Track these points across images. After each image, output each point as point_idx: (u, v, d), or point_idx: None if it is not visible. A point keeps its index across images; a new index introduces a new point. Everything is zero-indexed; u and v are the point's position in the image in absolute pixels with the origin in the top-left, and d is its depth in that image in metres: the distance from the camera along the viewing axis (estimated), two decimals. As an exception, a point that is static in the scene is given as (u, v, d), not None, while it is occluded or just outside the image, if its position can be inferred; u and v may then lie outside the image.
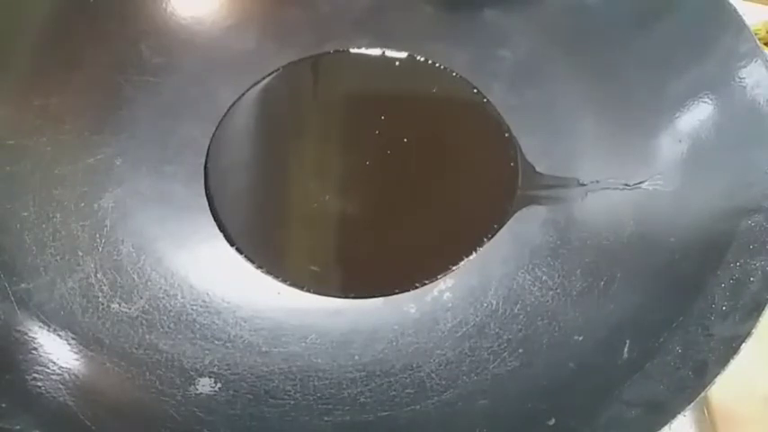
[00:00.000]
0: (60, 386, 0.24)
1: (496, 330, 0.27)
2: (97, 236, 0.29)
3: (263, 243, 0.30)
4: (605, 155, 0.31)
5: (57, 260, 0.28)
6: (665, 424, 0.22)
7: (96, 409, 0.24)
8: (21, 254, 0.28)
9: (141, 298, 0.28)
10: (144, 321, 0.27)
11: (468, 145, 0.34)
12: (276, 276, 0.29)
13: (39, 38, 0.32)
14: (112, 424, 0.24)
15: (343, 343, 0.27)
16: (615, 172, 0.30)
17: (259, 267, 0.29)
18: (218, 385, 0.26)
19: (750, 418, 0.29)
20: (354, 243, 0.31)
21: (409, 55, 0.35)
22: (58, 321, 0.26)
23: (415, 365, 0.27)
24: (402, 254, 0.31)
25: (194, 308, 0.28)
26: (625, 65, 0.32)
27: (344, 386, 0.26)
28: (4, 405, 0.23)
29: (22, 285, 0.27)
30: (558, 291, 0.28)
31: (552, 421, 0.23)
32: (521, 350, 0.27)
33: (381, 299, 0.29)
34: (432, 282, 0.29)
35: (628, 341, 0.25)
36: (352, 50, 0.35)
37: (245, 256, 0.30)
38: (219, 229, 0.30)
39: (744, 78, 0.28)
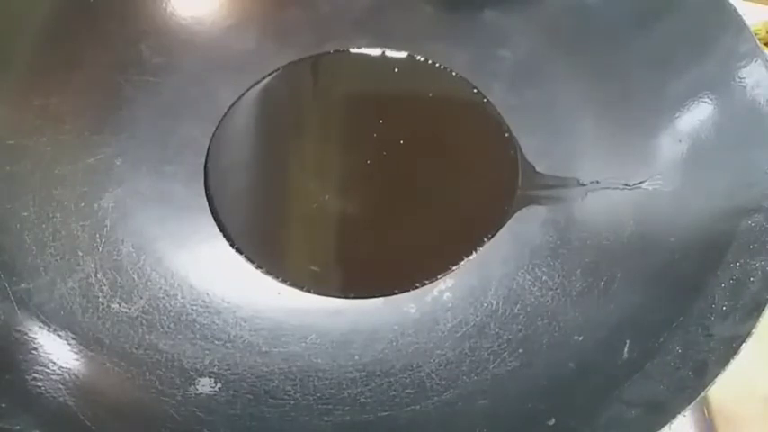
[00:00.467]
0: (60, 386, 0.24)
1: (496, 330, 0.27)
2: (97, 236, 0.29)
3: (263, 243, 0.30)
4: (605, 155, 0.31)
5: (57, 260, 0.28)
6: (665, 424, 0.22)
7: (96, 409, 0.24)
8: (21, 254, 0.28)
9: (141, 298, 0.28)
10: (144, 321, 0.27)
11: (468, 145, 0.34)
12: (276, 276, 0.29)
13: (39, 38, 0.32)
14: (112, 424, 0.24)
15: (343, 343, 0.27)
16: (615, 172, 0.30)
17: (259, 267, 0.29)
18: (218, 385, 0.26)
19: (750, 418, 0.29)
20: (354, 243, 0.31)
21: (409, 55, 0.35)
22: (58, 321, 0.26)
23: (415, 365, 0.27)
24: (402, 254, 0.31)
25: (194, 308, 0.28)
26: (625, 65, 0.32)
27: (344, 386, 0.26)
28: (4, 405, 0.23)
29: (22, 285, 0.27)
30: (558, 291, 0.28)
31: (552, 421, 0.23)
32: (521, 350, 0.27)
33: (381, 299, 0.29)
34: (432, 282, 0.29)
35: (628, 341, 0.25)
36: (352, 50, 0.35)
37: (245, 256, 0.30)
38: (219, 229, 0.30)
39: (744, 78, 0.28)
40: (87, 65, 0.32)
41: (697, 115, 0.30)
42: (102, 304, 0.27)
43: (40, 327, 0.26)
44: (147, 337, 0.27)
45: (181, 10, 0.34)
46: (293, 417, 0.25)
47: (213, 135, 0.32)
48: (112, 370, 0.26)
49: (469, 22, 0.35)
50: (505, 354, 0.27)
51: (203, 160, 0.32)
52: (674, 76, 0.31)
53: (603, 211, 0.30)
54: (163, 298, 0.28)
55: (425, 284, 0.29)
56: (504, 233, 0.30)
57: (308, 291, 0.29)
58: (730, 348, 0.23)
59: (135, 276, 0.28)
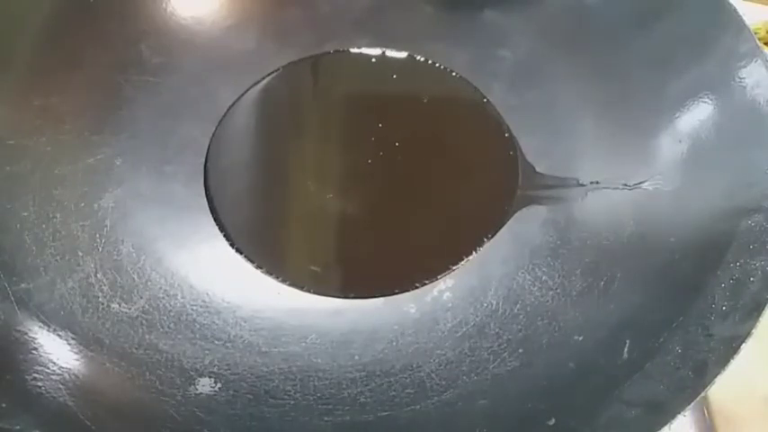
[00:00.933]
0: (60, 386, 0.24)
1: (496, 330, 0.27)
2: (97, 236, 0.29)
3: (263, 243, 0.30)
4: (605, 155, 0.31)
5: (57, 260, 0.28)
6: (665, 424, 0.22)
7: (96, 409, 0.24)
8: (21, 254, 0.28)
9: (141, 298, 0.28)
10: (144, 321, 0.27)
11: (468, 145, 0.34)
12: (276, 276, 0.29)
13: (39, 38, 0.32)
14: (112, 424, 0.24)
15: (343, 343, 0.27)
16: (615, 172, 0.30)
17: (259, 267, 0.29)
18: (218, 385, 0.26)
19: (750, 418, 0.29)
20: (354, 243, 0.31)
21: (409, 55, 0.35)
22: (58, 321, 0.26)
23: (415, 365, 0.27)
24: (402, 254, 0.31)
25: (194, 308, 0.28)
26: (625, 65, 0.32)
27: (344, 386, 0.26)
28: (4, 405, 0.23)
29: (22, 285, 0.27)
30: (558, 291, 0.28)
31: (552, 421, 0.23)
32: (521, 350, 0.27)
33: (381, 299, 0.29)
34: (432, 282, 0.29)
35: (628, 341, 0.25)
36: (352, 50, 0.35)
37: (245, 256, 0.30)
38: (219, 229, 0.30)
39: (744, 78, 0.28)
40: (87, 65, 0.32)
41: (697, 115, 0.30)
42: (102, 304, 0.27)
43: (40, 327, 0.26)
44: (147, 337, 0.27)
45: (181, 10, 0.34)
46: (293, 417, 0.25)
47: (213, 135, 0.32)
48: (112, 370, 0.26)
49: (469, 22, 0.35)
50: (505, 354, 0.27)
51: (203, 160, 0.32)
52: (674, 76, 0.31)
53: (603, 211, 0.30)
54: (163, 298, 0.28)
55: (425, 284, 0.29)
56: (504, 233, 0.30)
57: (308, 291, 0.29)
58: (730, 348, 0.23)
59: (135, 276, 0.28)
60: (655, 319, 0.26)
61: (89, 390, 0.25)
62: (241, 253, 0.30)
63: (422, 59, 0.34)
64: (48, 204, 0.29)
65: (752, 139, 0.28)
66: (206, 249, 0.30)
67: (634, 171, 0.30)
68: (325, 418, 0.25)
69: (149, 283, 0.28)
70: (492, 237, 0.30)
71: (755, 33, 0.29)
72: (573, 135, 0.32)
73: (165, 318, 0.27)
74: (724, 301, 0.25)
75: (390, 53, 0.35)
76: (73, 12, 0.33)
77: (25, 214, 0.29)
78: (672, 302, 0.26)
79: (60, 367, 0.25)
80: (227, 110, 0.33)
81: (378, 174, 0.32)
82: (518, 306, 0.28)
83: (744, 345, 0.23)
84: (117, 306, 0.27)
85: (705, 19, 0.30)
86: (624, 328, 0.26)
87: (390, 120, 0.33)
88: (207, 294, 0.28)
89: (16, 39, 0.31)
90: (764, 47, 0.30)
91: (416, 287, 0.29)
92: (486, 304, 0.28)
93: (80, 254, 0.28)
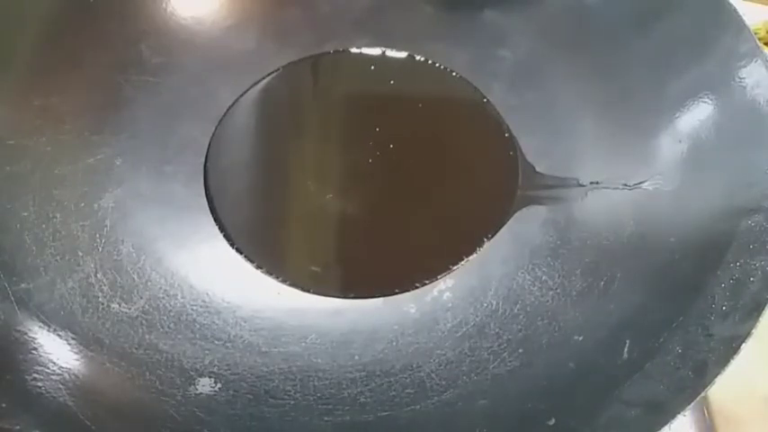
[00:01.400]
0: (60, 386, 0.24)
1: (496, 330, 0.27)
2: (97, 236, 0.29)
3: (263, 243, 0.30)
4: (605, 155, 0.31)
5: (57, 260, 0.28)
6: (665, 424, 0.22)
7: (96, 409, 0.24)
8: (21, 254, 0.28)
9: (141, 298, 0.28)
10: (144, 321, 0.27)
11: (468, 145, 0.34)
12: (276, 276, 0.29)
13: (39, 38, 0.32)
14: (112, 424, 0.24)
15: (343, 343, 0.27)
16: (615, 172, 0.30)
17: (259, 267, 0.29)
18: (218, 385, 0.26)
19: (750, 418, 0.29)
20: (354, 243, 0.31)
21: (409, 55, 0.35)
22: (58, 321, 0.26)
23: (415, 365, 0.27)
24: (402, 254, 0.31)
25: (194, 308, 0.28)
26: (625, 65, 0.32)
27: (344, 386, 0.26)
28: (4, 405, 0.23)
29: (22, 285, 0.27)
30: (558, 291, 0.28)
31: (552, 421, 0.23)
32: (521, 350, 0.27)
33: (381, 299, 0.29)
34: (432, 282, 0.29)
35: (628, 341, 0.25)
36: (352, 50, 0.35)
37: (245, 256, 0.30)
38: (219, 229, 0.30)
39: (744, 78, 0.28)
40: (87, 65, 0.32)
41: (697, 115, 0.30)
42: (102, 304, 0.27)
43: (40, 327, 0.26)
44: (147, 337, 0.27)
45: (181, 10, 0.34)
46: (293, 417, 0.25)
47: (213, 135, 0.32)
48: (112, 370, 0.26)
49: (469, 22, 0.35)
50: (505, 354, 0.27)
51: (203, 160, 0.32)
52: (674, 76, 0.31)
53: (603, 211, 0.30)
54: (163, 298, 0.28)
55: (425, 284, 0.29)
56: (504, 233, 0.30)
57: (308, 291, 0.29)
58: (730, 348, 0.23)
59: (135, 276, 0.28)
60: (655, 319, 0.26)
61: (89, 390, 0.25)
62: (241, 253, 0.30)
63: (422, 59, 0.34)
64: (48, 204, 0.29)
65: (752, 139, 0.28)
66: (206, 249, 0.30)
67: (634, 171, 0.30)
68: (325, 418, 0.25)
69: (149, 283, 0.28)
70: (492, 237, 0.30)
71: (755, 33, 0.29)
72: (573, 135, 0.32)
73: (165, 318, 0.27)
74: (724, 301, 0.25)
75: (390, 53, 0.35)
76: (73, 12, 0.33)
77: (25, 214, 0.29)
78: (672, 302, 0.26)
79: (60, 367, 0.25)
80: (227, 110, 0.33)
81: (378, 174, 0.32)
82: (518, 306, 0.28)
83: (744, 345, 0.23)
84: (117, 306, 0.27)
85: (705, 19, 0.30)
86: (624, 328, 0.26)
87: (390, 120, 0.33)
88: (207, 294, 0.28)
89: (16, 39, 0.31)
90: (764, 47, 0.30)
91: (416, 287, 0.29)
92: (486, 304, 0.28)
93: (80, 254, 0.28)
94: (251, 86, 0.34)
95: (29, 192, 0.29)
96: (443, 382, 0.26)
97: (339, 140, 0.34)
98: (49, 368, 0.25)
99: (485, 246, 0.30)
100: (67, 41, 0.32)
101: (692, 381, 0.23)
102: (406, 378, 0.26)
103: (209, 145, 0.32)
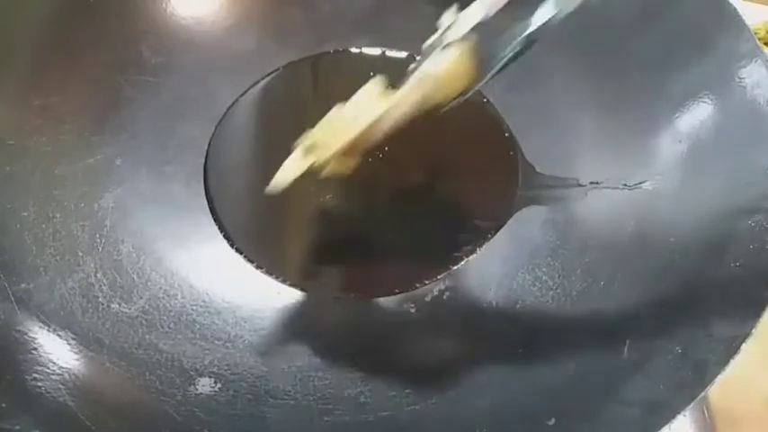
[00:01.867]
0: (60, 386, 0.24)
1: (497, 330, 0.27)
2: (97, 236, 0.29)
3: (263, 243, 0.30)
4: (605, 155, 0.31)
5: (57, 260, 0.28)
6: (665, 424, 0.22)
7: (96, 409, 0.24)
8: (21, 254, 0.28)
9: (141, 298, 0.28)
10: (144, 321, 0.27)
11: (468, 145, 0.34)
12: (276, 276, 0.29)
13: (39, 38, 0.32)
14: (112, 424, 0.24)
15: (342, 343, 0.27)
16: (615, 172, 0.30)
17: (259, 267, 0.29)
18: (218, 385, 0.26)
19: (750, 418, 0.29)
20: (354, 243, 0.31)
21: (409, 55, 0.35)
22: (58, 321, 0.26)
23: (415, 365, 0.27)
24: (402, 254, 0.31)
25: (194, 308, 0.28)
26: (625, 65, 0.32)
27: (344, 386, 0.26)
28: (4, 405, 0.23)
29: (22, 285, 0.27)
30: (558, 291, 0.28)
31: (552, 421, 0.23)
32: (520, 350, 0.27)
33: (381, 299, 0.29)
34: (432, 282, 0.29)
35: (628, 341, 0.25)
36: (352, 50, 0.35)
37: (245, 257, 0.30)
38: (219, 229, 0.30)
39: (744, 78, 0.28)
40: (87, 65, 0.32)
41: (697, 115, 0.30)
42: (102, 304, 0.27)
43: (40, 327, 0.26)
44: (147, 337, 0.27)
45: (181, 10, 0.35)
46: (293, 417, 0.25)
47: (213, 135, 0.32)
48: (112, 370, 0.26)
49: (469, 22, 0.35)
50: (505, 354, 0.27)
51: (203, 160, 0.32)
52: (674, 76, 0.31)
53: (603, 211, 0.30)
54: (163, 298, 0.28)
55: (425, 284, 0.29)
56: (504, 233, 0.30)
57: (308, 291, 0.29)
58: (730, 348, 0.23)
59: (135, 276, 0.28)
60: (655, 319, 0.26)
61: (89, 390, 0.25)
62: (241, 253, 0.30)
63: (422, 59, 0.34)
64: (48, 204, 0.29)
65: (752, 139, 0.28)
66: (206, 249, 0.30)
67: (634, 171, 0.30)
68: (325, 418, 0.25)
69: (149, 283, 0.28)
70: (492, 237, 0.30)
71: (755, 33, 0.29)
72: (573, 135, 0.32)
73: (165, 318, 0.27)
74: (724, 301, 0.25)
75: (390, 53, 0.35)
76: (73, 12, 0.33)
77: (25, 214, 0.29)
78: (672, 302, 0.26)
79: (60, 367, 0.25)
80: (227, 110, 0.33)
81: (377, 174, 0.32)
82: (518, 306, 0.28)
83: (744, 345, 0.23)
84: (117, 306, 0.27)
85: (705, 19, 0.30)
86: (624, 328, 0.26)
87: (390, 120, 0.33)
88: (207, 294, 0.28)
89: (16, 39, 0.32)
90: (764, 47, 0.30)
91: (416, 287, 0.29)
92: (486, 304, 0.28)
93: (80, 254, 0.28)
94: (251, 86, 0.34)
95: (29, 192, 0.29)
96: (444, 382, 0.26)
97: (339, 140, 0.34)
98: (49, 368, 0.25)
99: (485, 246, 0.30)
100: (67, 41, 0.32)
101: (691, 381, 0.23)
102: (406, 378, 0.26)
103: (209, 145, 0.32)
